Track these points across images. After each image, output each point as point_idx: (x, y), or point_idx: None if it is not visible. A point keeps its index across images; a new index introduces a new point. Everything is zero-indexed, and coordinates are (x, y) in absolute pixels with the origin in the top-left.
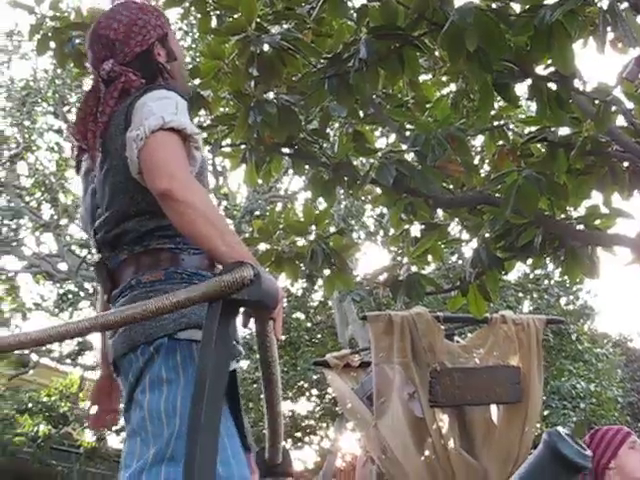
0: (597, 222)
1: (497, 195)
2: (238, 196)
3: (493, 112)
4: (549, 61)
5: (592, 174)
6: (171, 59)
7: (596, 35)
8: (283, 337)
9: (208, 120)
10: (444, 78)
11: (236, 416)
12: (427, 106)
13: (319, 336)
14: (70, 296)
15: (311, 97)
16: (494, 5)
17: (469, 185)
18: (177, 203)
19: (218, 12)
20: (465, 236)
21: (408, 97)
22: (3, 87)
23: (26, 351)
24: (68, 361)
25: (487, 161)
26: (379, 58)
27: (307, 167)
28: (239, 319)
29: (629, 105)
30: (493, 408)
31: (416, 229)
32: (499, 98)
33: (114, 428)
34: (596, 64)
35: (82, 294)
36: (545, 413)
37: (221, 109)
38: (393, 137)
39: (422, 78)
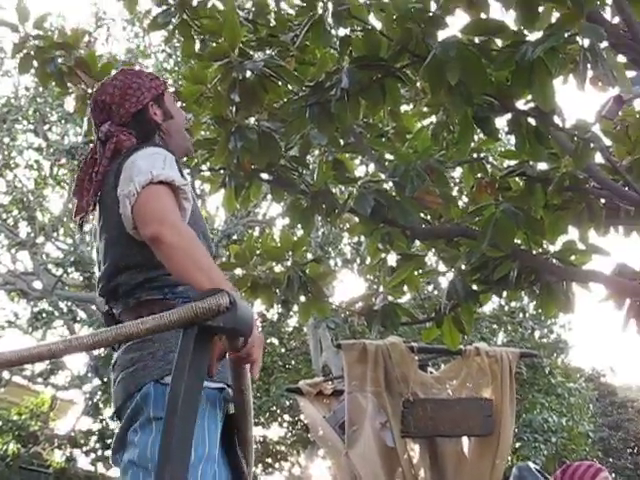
0: (573, 258)
1: (474, 228)
2: (216, 219)
3: (473, 145)
4: (529, 96)
5: (569, 210)
6: (167, 118)
7: (576, 73)
8: None
9: None
10: (425, 109)
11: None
12: (407, 137)
13: (293, 362)
14: (44, 315)
15: (292, 124)
16: (477, 40)
17: (447, 217)
18: (165, 246)
19: (202, 37)
20: (442, 267)
21: (389, 127)
22: None
23: None
24: (40, 380)
25: (465, 193)
26: (361, 88)
27: (286, 194)
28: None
29: (607, 143)
30: (465, 440)
31: (393, 259)
32: (479, 131)
33: (84, 448)
34: (576, 101)
35: (56, 313)
36: (517, 446)
37: (202, 133)
38: (373, 166)
39: (403, 109)
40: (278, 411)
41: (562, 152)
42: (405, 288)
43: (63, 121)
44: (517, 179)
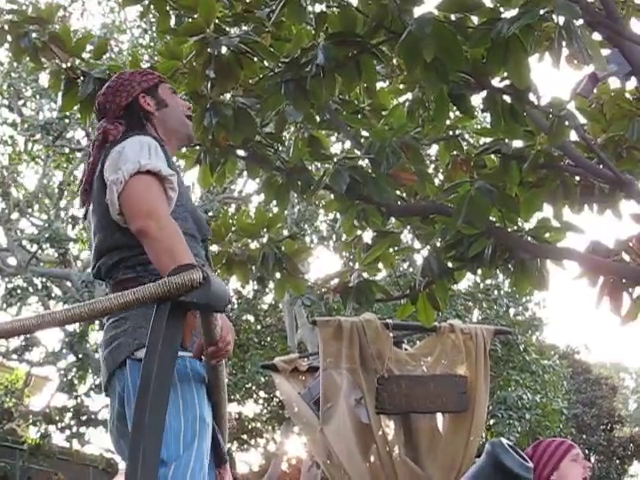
0: (547, 235)
1: (450, 205)
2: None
3: (448, 122)
4: (505, 74)
5: (544, 187)
6: (161, 107)
7: (552, 50)
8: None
9: None
10: (401, 86)
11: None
12: (383, 114)
13: (268, 339)
14: (18, 291)
15: (267, 101)
16: (452, 17)
17: (422, 194)
18: (149, 239)
19: (177, 12)
20: (417, 245)
21: (364, 104)
22: None
23: None
24: (14, 356)
25: (441, 170)
26: (336, 64)
27: (261, 170)
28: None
29: (582, 120)
30: (439, 416)
31: (368, 236)
32: (455, 108)
33: (59, 425)
34: (551, 79)
35: (31, 289)
36: (491, 423)
37: None
38: (348, 143)
39: (379, 86)
40: (253, 388)
41: (537, 130)
42: (380, 265)
43: (38, 96)
44: (492, 156)
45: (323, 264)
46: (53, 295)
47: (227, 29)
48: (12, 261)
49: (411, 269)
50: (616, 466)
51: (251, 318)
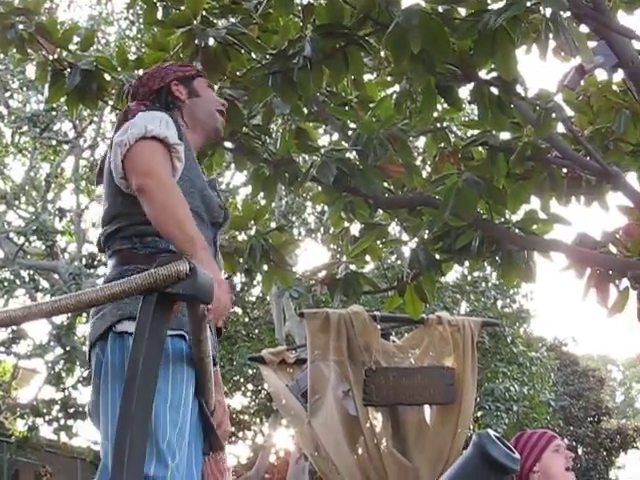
0: (534, 227)
1: (437, 197)
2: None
3: (436, 114)
4: (492, 66)
5: (531, 179)
6: (192, 96)
7: (539, 42)
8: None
9: None
10: (388, 78)
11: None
12: (370, 106)
13: (256, 331)
14: (6, 284)
15: (255, 92)
16: (440, 8)
17: (409, 186)
18: (147, 197)
19: (164, 3)
20: (404, 237)
21: (352, 96)
22: None
23: None
24: (1, 349)
25: (428, 162)
26: (324, 56)
27: (249, 162)
28: None
29: (569, 112)
30: (426, 408)
31: (356, 228)
32: (442, 100)
33: (46, 418)
34: (538, 71)
35: (18, 282)
36: (478, 414)
37: None
38: (336, 135)
39: (366, 77)
40: (241, 380)
41: (524, 122)
42: (368, 257)
43: (24, 88)
44: (480, 148)
45: (311, 256)
46: (40, 287)
47: (214, 21)
48: None
49: (399, 261)
50: (603, 458)
51: (239, 310)
